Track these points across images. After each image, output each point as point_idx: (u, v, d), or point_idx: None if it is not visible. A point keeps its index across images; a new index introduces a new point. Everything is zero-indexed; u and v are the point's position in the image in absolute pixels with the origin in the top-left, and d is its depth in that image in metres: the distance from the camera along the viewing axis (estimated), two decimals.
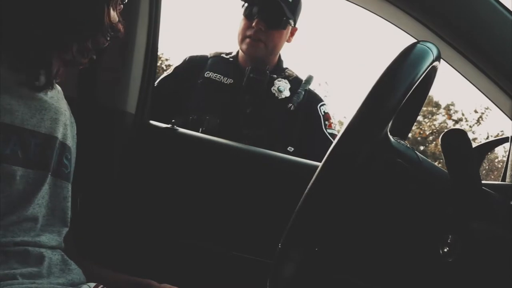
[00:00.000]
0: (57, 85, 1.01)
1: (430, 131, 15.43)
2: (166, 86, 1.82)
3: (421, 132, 15.36)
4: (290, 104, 1.75)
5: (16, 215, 0.85)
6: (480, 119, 14.91)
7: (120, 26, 0.96)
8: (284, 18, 1.74)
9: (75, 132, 1.07)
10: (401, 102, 0.67)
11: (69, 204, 0.98)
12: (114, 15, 0.94)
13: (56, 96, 0.98)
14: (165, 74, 1.89)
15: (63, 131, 0.96)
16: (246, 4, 1.77)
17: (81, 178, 1.10)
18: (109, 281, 1.00)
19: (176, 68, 1.89)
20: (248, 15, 1.76)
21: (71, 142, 1.01)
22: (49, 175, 0.92)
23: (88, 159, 1.14)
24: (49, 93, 0.95)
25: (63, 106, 1.00)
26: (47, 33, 0.87)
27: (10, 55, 0.86)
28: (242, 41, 1.78)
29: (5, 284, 0.80)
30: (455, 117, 15.58)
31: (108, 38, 0.95)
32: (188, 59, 1.89)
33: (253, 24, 1.73)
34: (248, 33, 1.75)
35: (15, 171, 0.84)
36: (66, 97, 1.06)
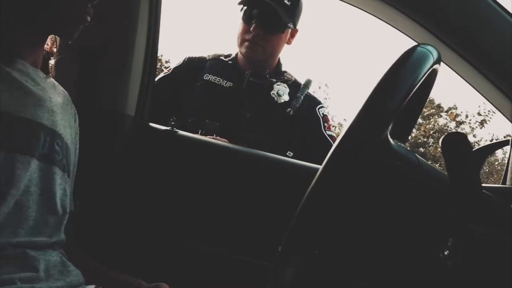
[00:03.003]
0: (52, 80, 1.02)
1: (433, 132, 15.44)
2: (164, 86, 1.82)
3: (425, 131, 15.35)
4: (289, 109, 1.75)
5: (4, 205, 0.83)
6: (484, 122, 14.89)
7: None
8: (282, 22, 1.74)
9: (77, 123, 1.07)
10: (401, 105, 0.67)
11: (65, 190, 0.97)
12: None
13: (46, 87, 0.98)
14: (163, 73, 1.89)
15: (49, 117, 0.95)
16: (244, 8, 1.77)
17: (81, 180, 1.09)
18: (104, 281, 1.00)
19: (175, 68, 1.89)
20: (246, 19, 1.76)
21: (64, 129, 0.99)
22: (36, 161, 0.89)
23: (87, 161, 1.14)
24: (35, 80, 0.95)
25: (48, 93, 0.98)
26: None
27: None
28: (241, 44, 1.79)
29: None
30: (457, 119, 15.58)
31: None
32: (187, 59, 1.89)
33: (251, 28, 1.73)
34: (247, 37, 1.76)
35: None
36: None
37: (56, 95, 1.02)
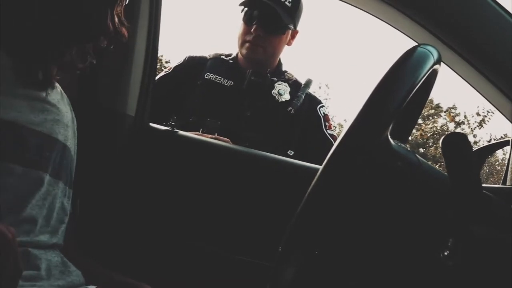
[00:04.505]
0: (58, 86, 1.01)
1: (431, 133, 15.41)
2: (164, 84, 1.82)
3: (423, 133, 15.32)
4: (290, 108, 1.76)
5: (12, 216, 0.84)
6: (483, 122, 14.87)
7: (124, 30, 0.96)
8: (283, 23, 1.74)
9: (75, 126, 1.07)
10: (401, 105, 0.67)
11: (62, 205, 0.97)
12: (116, 18, 0.94)
13: (57, 98, 0.98)
14: (163, 73, 1.89)
15: (64, 132, 0.96)
16: (245, 9, 1.77)
17: (81, 180, 1.10)
18: (105, 281, 1.00)
19: (175, 67, 1.89)
20: (247, 20, 1.77)
21: (71, 141, 1.01)
22: (48, 176, 0.91)
23: (88, 161, 1.14)
24: (51, 95, 0.95)
25: (64, 108, 1.00)
26: (47, 36, 0.87)
27: (13, 56, 0.87)
28: (241, 45, 1.79)
29: None
30: (456, 119, 15.55)
31: (108, 40, 0.94)
32: (188, 59, 1.90)
33: (252, 29, 1.74)
34: (247, 38, 1.76)
35: (12, 169, 0.83)
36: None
37: (66, 105, 1.02)
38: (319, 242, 0.74)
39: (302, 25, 1.86)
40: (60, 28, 0.87)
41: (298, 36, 1.87)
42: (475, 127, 15.05)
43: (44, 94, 0.93)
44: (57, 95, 0.99)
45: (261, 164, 1.46)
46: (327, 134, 1.82)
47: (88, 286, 0.95)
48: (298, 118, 1.78)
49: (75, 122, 1.08)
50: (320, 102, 1.90)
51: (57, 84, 1.00)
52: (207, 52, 1.97)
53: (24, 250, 0.86)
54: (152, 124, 1.51)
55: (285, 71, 1.89)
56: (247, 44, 1.77)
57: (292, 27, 1.78)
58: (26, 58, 0.88)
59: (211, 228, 1.42)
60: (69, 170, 0.99)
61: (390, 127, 0.73)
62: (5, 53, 0.86)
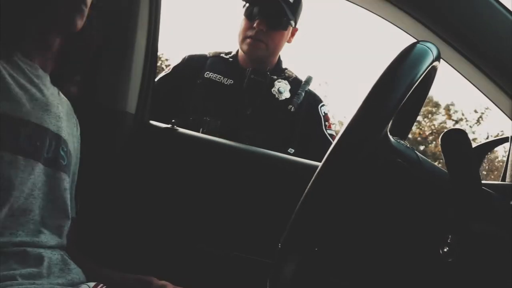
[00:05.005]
0: (51, 83, 1.02)
1: (430, 131, 15.41)
2: (164, 85, 1.82)
3: (421, 132, 15.33)
4: (290, 106, 1.75)
5: (7, 207, 0.84)
6: (480, 119, 14.89)
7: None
8: (285, 19, 1.74)
9: (79, 132, 1.08)
10: (401, 102, 0.67)
11: (69, 196, 0.98)
12: None
13: (49, 91, 0.98)
14: (163, 73, 1.89)
15: (55, 122, 0.96)
16: (247, 4, 1.77)
17: (81, 178, 1.10)
18: (108, 280, 1.00)
19: (175, 67, 1.89)
20: (249, 15, 1.75)
21: (68, 136, 1.00)
22: (41, 165, 0.91)
23: (88, 159, 1.14)
24: (40, 86, 0.95)
25: (56, 100, 1.00)
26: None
27: None
28: (243, 41, 1.78)
29: (5, 285, 0.80)
30: (455, 117, 15.56)
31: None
32: (187, 58, 1.89)
33: (254, 24, 1.73)
34: (249, 33, 1.75)
35: (1, 156, 0.83)
36: (65, 97, 1.08)
37: (61, 102, 1.03)
38: (319, 239, 0.74)
39: (301, 22, 1.86)
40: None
41: (296, 34, 1.87)
42: (473, 124, 15.06)
43: (33, 85, 0.93)
44: (54, 90, 1.00)
45: (261, 162, 1.46)
46: (327, 134, 1.82)
47: (88, 283, 0.96)
48: (298, 116, 1.78)
49: (79, 128, 1.08)
50: (320, 100, 1.89)
51: (48, 78, 1.00)
52: (207, 50, 1.97)
53: (24, 249, 0.86)
54: (152, 122, 1.51)
55: (285, 69, 1.88)
56: (248, 40, 1.75)
57: (293, 23, 1.78)
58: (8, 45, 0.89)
59: (211, 225, 1.42)
60: (68, 163, 0.99)
61: (389, 124, 0.73)
62: None
